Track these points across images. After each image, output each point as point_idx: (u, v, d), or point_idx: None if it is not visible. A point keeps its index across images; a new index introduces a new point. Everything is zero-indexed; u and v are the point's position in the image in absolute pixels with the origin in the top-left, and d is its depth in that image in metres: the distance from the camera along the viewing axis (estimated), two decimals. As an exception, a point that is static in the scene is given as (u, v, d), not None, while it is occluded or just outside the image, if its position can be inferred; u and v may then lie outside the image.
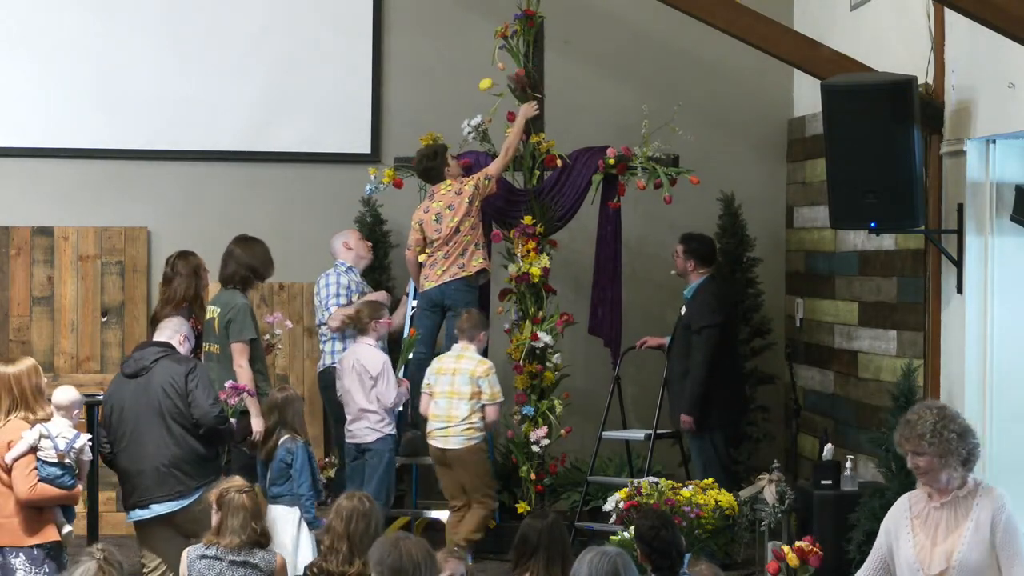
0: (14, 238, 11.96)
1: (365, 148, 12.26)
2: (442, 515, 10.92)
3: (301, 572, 7.78)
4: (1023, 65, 8.57)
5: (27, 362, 8.43)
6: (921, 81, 9.46)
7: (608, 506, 10.01)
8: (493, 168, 10.99)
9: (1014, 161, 9.30)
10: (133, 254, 12.00)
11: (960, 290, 9.40)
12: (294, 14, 12.22)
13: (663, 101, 11.70)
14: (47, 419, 8.31)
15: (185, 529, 8.87)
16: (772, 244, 12.40)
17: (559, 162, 11.26)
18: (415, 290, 11.11)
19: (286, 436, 9.19)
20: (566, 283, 11.68)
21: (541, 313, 11.17)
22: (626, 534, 9.22)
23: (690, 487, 9.90)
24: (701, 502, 9.71)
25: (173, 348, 9.17)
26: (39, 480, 8.19)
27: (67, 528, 8.39)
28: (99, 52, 12.07)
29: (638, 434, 11.32)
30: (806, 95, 11.86)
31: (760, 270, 12.12)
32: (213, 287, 11.25)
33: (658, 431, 11.24)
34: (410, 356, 10.83)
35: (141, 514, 8.91)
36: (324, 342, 11.11)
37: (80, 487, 8.42)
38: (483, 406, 10.39)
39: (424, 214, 10.92)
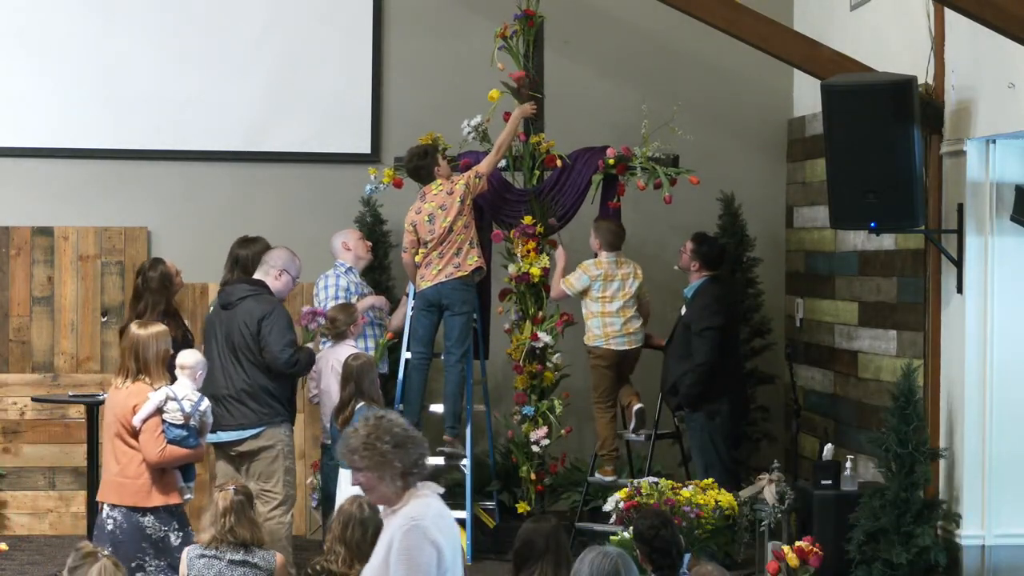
0: (14, 238, 11.95)
1: (365, 148, 12.26)
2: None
3: None
4: (1023, 65, 8.58)
5: (157, 327, 8.54)
6: (921, 81, 9.47)
7: (608, 506, 10.01)
8: (483, 166, 10.93)
9: (1014, 161, 9.31)
10: (133, 254, 11.98)
11: (960, 290, 9.40)
12: (294, 14, 12.22)
13: (663, 101, 11.71)
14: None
15: (239, 462, 9.57)
16: (772, 244, 12.40)
17: (559, 162, 11.26)
18: (414, 290, 11.10)
19: (362, 404, 9.40)
20: (566, 283, 11.67)
21: (541, 313, 11.18)
22: (626, 534, 9.22)
23: (690, 487, 9.90)
24: (701, 502, 9.71)
25: (264, 286, 9.66)
26: (167, 442, 8.30)
27: (188, 495, 8.55)
28: (99, 52, 12.06)
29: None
30: (806, 95, 11.86)
31: (760, 270, 12.12)
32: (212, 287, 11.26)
33: (658, 431, 11.24)
34: (383, 357, 10.88)
35: (211, 437, 9.28)
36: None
37: (204, 446, 8.59)
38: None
39: (416, 215, 10.89)
